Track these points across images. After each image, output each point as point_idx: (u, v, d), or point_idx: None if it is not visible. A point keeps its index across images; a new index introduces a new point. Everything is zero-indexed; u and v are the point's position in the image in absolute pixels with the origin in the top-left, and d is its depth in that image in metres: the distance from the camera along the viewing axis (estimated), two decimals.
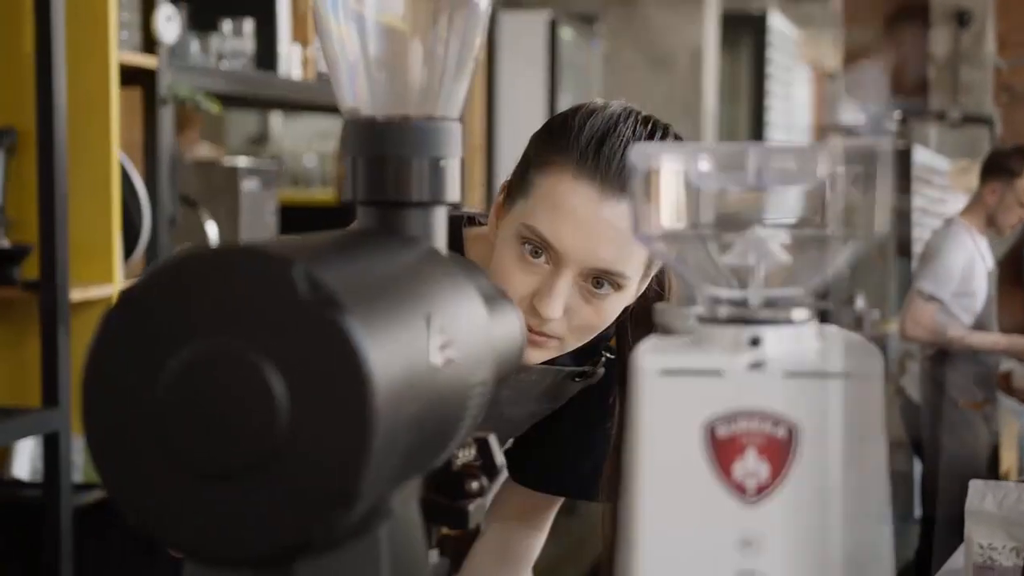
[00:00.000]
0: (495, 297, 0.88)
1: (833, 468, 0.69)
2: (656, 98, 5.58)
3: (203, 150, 4.27)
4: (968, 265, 4.24)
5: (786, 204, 0.74)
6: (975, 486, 1.95)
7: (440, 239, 0.82)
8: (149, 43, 2.75)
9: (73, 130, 2.51)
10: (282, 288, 0.62)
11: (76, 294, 2.49)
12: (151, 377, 0.64)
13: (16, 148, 2.51)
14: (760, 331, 0.70)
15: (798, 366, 0.69)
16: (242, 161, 3.28)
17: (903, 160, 7.15)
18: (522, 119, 5.50)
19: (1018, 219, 4.32)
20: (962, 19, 9.71)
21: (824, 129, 9.62)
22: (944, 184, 7.87)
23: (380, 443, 0.63)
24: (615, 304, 1.30)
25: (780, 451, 0.69)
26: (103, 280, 2.58)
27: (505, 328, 0.87)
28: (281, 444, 0.62)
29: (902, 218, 7.23)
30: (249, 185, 3.17)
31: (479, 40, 0.83)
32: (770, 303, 0.72)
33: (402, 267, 0.74)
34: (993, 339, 4.32)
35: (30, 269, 2.49)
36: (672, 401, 0.70)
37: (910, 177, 7.09)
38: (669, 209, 0.73)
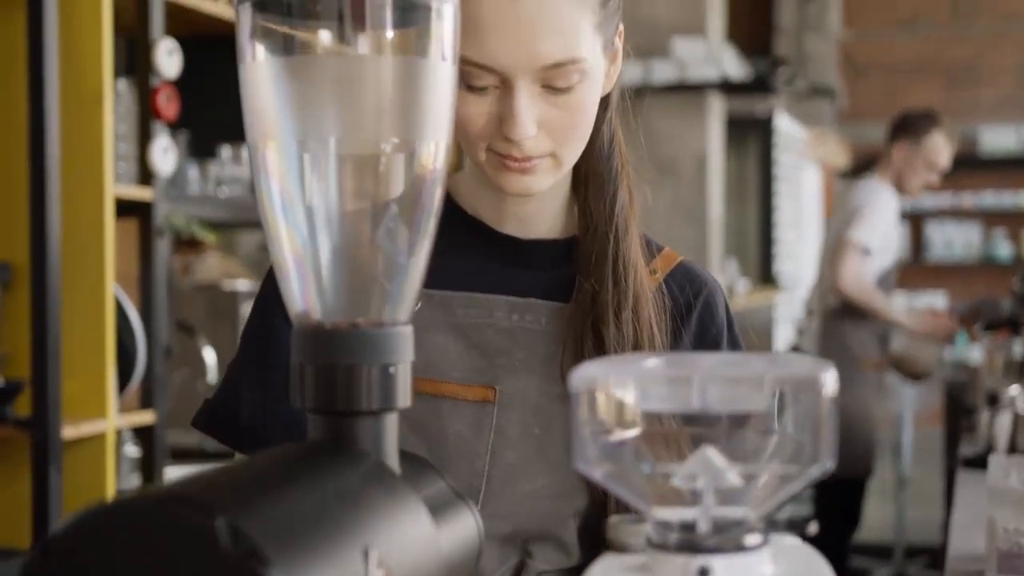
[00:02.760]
0: (448, 502, 0.86)
1: None
2: (661, 205, 5.59)
3: (212, 262, 4.28)
4: (891, 222, 4.24)
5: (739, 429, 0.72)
6: (996, 461, 1.77)
7: (390, 446, 0.80)
8: (146, 173, 2.76)
9: (68, 264, 2.51)
10: (204, 541, 0.60)
11: (69, 431, 2.48)
12: None
13: (10, 283, 2.52)
14: (709, 560, 0.68)
15: None
16: (242, 284, 3.28)
17: (765, 126, 7.18)
18: None
19: (924, 182, 4.32)
20: None
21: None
22: (801, 152, 7.89)
23: None
24: (587, 93, 1.17)
25: None
26: (97, 415, 2.57)
27: (457, 535, 0.85)
28: None
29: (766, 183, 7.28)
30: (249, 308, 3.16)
31: (429, 238, 0.82)
32: (720, 527, 0.70)
33: (343, 494, 0.72)
34: (908, 318, 4.34)
35: (22, 405, 2.48)
36: None
37: (771, 143, 7.13)
38: (614, 432, 0.71)
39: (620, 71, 1.30)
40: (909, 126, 4.35)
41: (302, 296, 0.80)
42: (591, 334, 1.23)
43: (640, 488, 0.72)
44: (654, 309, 1.27)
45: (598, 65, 1.19)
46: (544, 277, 1.29)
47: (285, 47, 0.80)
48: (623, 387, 0.71)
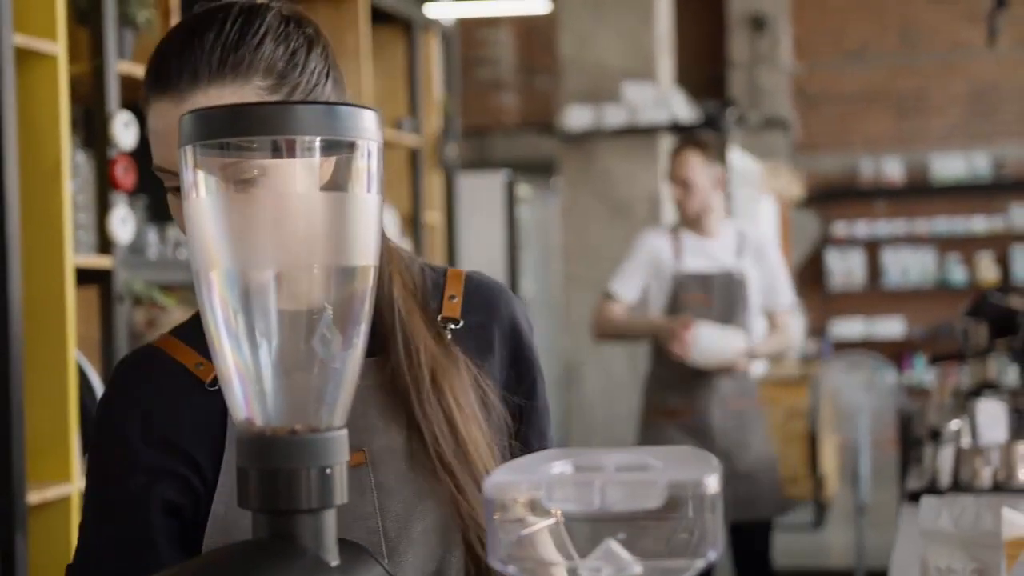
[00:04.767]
0: None
1: None
2: (616, 246, 5.69)
3: (176, 316, 4.32)
4: (652, 265, 4.20)
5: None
6: (928, 502, 1.84)
7: (329, 540, 0.88)
8: (105, 242, 2.84)
9: (30, 333, 2.58)
10: None
11: (33, 496, 2.54)
12: None
13: None
14: None
15: None
16: None
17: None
18: None
19: (679, 201, 4.18)
20: (757, 23, 9.95)
21: None
22: (757, 185, 7.97)
23: None
24: (275, 186, 1.14)
25: None
26: (61, 480, 2.63)
27: None
28: None
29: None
30: None
31: (361, 347, 0.91)
32: None
33: None
34: (644, 320, 4.18)
35: None
36: None
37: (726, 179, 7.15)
38: (524, 531, 0.80)
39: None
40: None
41: (245, 405, 0.88)
42: (404, 414, 1.31)
43: None
44: (458, 368, 1.33)
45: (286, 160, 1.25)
46: None
47: (225, 185, 0.89)
48: (532, 491, 0.79)
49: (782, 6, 10.27)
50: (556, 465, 0.82)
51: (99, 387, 2.74)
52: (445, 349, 1.34)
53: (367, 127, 0.88)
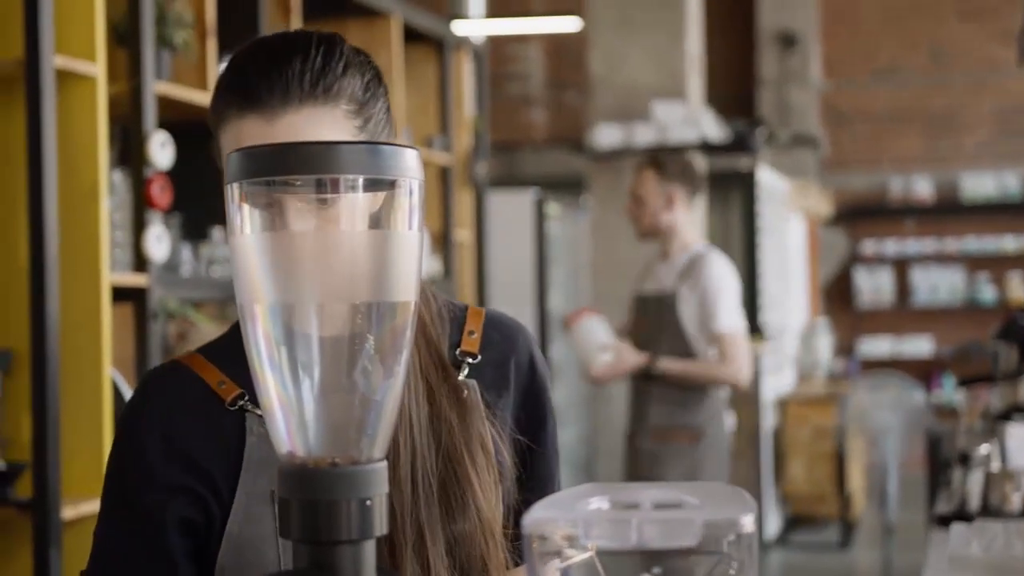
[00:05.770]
0: None
1: None
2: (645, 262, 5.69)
3: (207, 330, 4.35)
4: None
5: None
6: (957, 530, 1.85)
7: (368, 570, 0.90)
8: (140, 260, 2.87)
9: (66, 350, 2.62)
10: None
11: (68, 511, 2.57)
12: None
13: (11, 369, 2.62)
14: None
15: None
16: None
17: (747, 180, 7.24)
18: (513, 297, 5.64)
19: (631, 211, 4.24)
20: (787, 41, 9.94)
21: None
22: (785, 203, 7.95)
23: None
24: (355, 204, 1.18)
25: None
26: (96, 495, 2.64)
27: None
28: None
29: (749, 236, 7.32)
30: None
31: (401, 380, 0.92)
32: None
33: None
34: None
35: (23, 487, 2.57)
36: None
37: (754, 197, 7.16)
38: (562, 564, 0.81)
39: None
40: None
41: (287, 437, 0.90)
42: None
43: None
44: (462, 407, 1.32)
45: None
46: None
47: (271, 223, 0.91)
48: (569, 528, 0.81)
49: (812, 24, 10.27)
50: (593, 501, 0.84)
51: None
52: (451, 385, 1.33)
53: (409, 165, 0.89)
